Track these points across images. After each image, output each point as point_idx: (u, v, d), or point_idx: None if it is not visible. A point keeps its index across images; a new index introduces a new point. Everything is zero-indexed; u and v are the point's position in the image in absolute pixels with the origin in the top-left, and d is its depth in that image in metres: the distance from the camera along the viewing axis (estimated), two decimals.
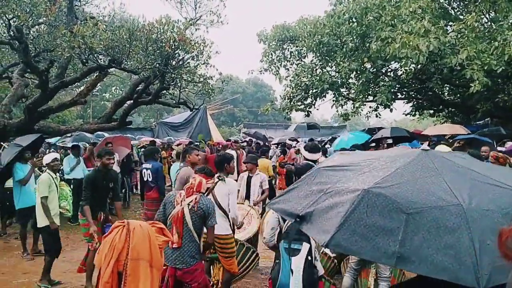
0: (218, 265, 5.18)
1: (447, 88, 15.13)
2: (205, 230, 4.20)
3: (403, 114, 20.96)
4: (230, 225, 5.07)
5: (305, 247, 3.57)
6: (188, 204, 3.98)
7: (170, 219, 4.02)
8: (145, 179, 7.75)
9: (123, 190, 12.09)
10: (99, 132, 14.64)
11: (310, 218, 2.27)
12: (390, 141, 10.53)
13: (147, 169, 7.61)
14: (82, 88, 15.44)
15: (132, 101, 13.49)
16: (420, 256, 1.93)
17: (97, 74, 12.27)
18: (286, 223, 3.77)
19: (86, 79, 13.57)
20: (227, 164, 5.23)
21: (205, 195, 4.33)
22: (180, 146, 14.65)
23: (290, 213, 2.44)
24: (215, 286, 5.13)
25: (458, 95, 15.88)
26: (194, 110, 18.14)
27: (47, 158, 6.51)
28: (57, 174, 6.67)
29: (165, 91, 14.30)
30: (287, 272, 3.53)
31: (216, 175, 5.00)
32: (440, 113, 19.94)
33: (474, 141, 9.15)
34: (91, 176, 5.94)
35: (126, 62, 10.38)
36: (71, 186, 10.20)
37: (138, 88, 13.89)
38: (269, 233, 4.10)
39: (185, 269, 3.98)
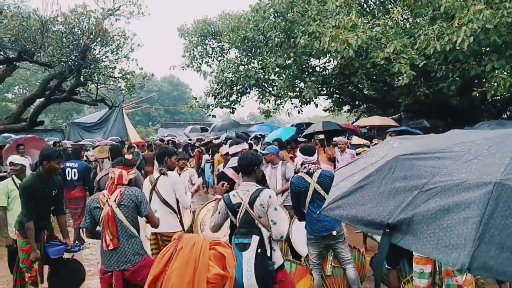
0: None
1: (367, 84, 15.60)
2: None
3: (323, 109, 21.43)
4: (180, 221, 4.78)
5: (254, 240, 3.48)
6: (115, 201, 3.77)
7: (101, 221, 3.76)
8: (68, 178, 7.43)
9: None
10: (5, 134, 13.18)
11: (409, 227, 1.66)
12: (321, 136, 10.52)
13: (71, 168, 7.28)
14: None
15: (43, 99, 12.29)
16: None
17: (3, 68, 10.93)
18: (237, 218, 3.61)
19: None
20: (168, 157, 4.88)
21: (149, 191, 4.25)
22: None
23: (369, 221, 1.81)
24: None
25: (378, 90, 16.49)
26: (112, 108, 17.09)
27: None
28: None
29: (81, 87, 13.24)
30: (240, 268, 3.38)
31: (158, 168, 4.74)
32: (358, 108, 20.66)
33: (406, 133, 9.41)
34: (28, 184, 4.61)
35: (38, 55, 9.31)
36: None
37: (50, 84, 12.71)
38: (212, 228, 3.84)
39: (131, 269, 3.72)
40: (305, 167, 4.69)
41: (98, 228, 3.93)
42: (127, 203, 3.79)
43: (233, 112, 17.66)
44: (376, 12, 14.63)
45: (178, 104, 54.85)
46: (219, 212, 3.76)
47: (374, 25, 10.86)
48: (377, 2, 15.76)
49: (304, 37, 11.74)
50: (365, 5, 15.18)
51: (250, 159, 3.85)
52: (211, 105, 16.93)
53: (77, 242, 6.38)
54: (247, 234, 3.51)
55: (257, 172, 3.88)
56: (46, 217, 4.88)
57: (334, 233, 4.50)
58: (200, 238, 2.49)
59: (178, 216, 4.79)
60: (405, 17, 11.80)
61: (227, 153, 6.25)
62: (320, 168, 4.75)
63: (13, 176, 5.36)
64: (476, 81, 13.02)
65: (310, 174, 4.63)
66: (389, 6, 15.11)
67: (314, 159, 4.71)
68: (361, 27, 10.45)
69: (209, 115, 18.64)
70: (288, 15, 12.83)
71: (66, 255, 4.77)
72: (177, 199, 4.77)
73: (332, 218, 4.49)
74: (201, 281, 2.17)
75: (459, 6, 9.58)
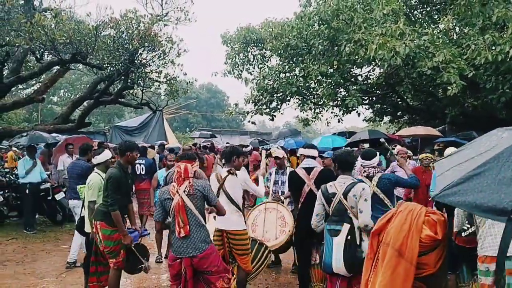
0: (232, 265, 4.97)
1: (411, 94, 15.32)
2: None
3: (363, 120, 21.15)
4: (244, 220, 4.94)
5: (345, 227, 3.82)
6: (184, 191, 3.99)
7: (172, 211, 4.00)
8: (138, 172, 8.84)
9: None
10: (53, 134, 13.66)
11: None
12: (366, 145, 10.39)
13: (140, 164, 8.81)
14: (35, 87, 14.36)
15: (92, 101, 12.66)
16: None
17: (56, 70, 11.37)
18: (331, 206, 4.01)
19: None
20: (236, 157, 4.97)
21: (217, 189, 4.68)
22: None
23: (489, 208, 1.80)
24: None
25: (423, 101, 16.15)
26: (155, 112, 17.43)
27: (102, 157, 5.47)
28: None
29: (127, 90, 13.57)
30: (330, 252, 3.80)
31: (226, 169, 4.90)
32: (400, 119, 20.29)
33: (454, 143, 9.16)
34: (116, 174, 4.85)
35: (91, 57, 9.61)
36: (26, 191, 9.35)
37: (97, 88, 13.09)
38: (315, 219, 4.32)
39: (199, 255, 3.93)
40: (364, 171, 4.77)
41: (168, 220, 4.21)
42: (195, 193, 4.01)
43: (272, 119, 17.65)
44: (422, 22, 14.39)
45: (216, 111, 55.39)
46: (318, 203, 4.21)
47: (422, 34, 10.68)
48: (424, 12, 15.51)
49: (349, 44, 11.65)
50: (410, 15, 14.96)
51: (348, 156, 4.37)
52: (251, 111, 16.99)
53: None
54: (339, 222, 3.88)
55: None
56: (127, 205, 5.15)
57: None
58: (417, 206, 2.72)
59: (243, 215, 4.96)
60: (451, 27, 11.55)
61: (277, 156, 6.60)
62: (380, 172, 4.80)
63: (98, 170, 5.41)
64: None
65: (370, 178, 4.71)
66: (436, 16, 14.86)
67: (374, 163, 4.76)
68: (409, 35, 10.30)
69: (249, 121, 18.72)
70: (333, 23, 12.77)
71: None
72: (243, 197, 5.06)
73: None
74: (414, 238, 2.42)
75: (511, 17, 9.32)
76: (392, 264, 2.42)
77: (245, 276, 4.97)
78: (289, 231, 6.11)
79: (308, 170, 5.09)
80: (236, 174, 4.91)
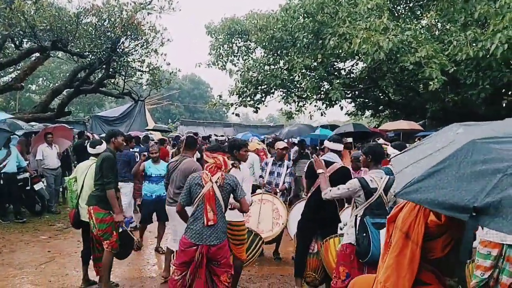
0: None
1: (393, 88, 15.47)
2: None
3: (345, 113, 21.30)
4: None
5: None
6: (216, 182, 4.09)
7: (201, 198, 4.07)
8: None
9: (62, 186, 11.08)
10: (31, 123, 13.37)
11: (498, 210, 1.67)
12: (350, 139, 10.44)
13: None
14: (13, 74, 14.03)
15: (72, 90, 12.44)
16: None
17: (35, 57, 11.11)
18: (371, 200, 4.03)
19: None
20: (236, 150, 4.94)
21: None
22: None
23: (451, 205, 1.80)
24: None
25: (404, 95, 16.32)
26: (136, 102, 17.27)
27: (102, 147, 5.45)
28: None
29: (108, 80, 13.38)
30: (378, 244, 3.84)
31: (231, 162, 4.75)
32: (381, 113, 20.49)
33: None
34: (110, 156, 5.03)
35: (72, 44, 9.42)
36: (1, 180, 9.11)
37: (78, 76, 12.88)
38: (333, 195, 4.25)
39: (218, 245, 4.04)
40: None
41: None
42: (225, 186, 4.14)
43: (256, 112, 17.66)
44: (405, 17, 14.50)
45: (199, 102, 55.05)
46: (349, 189, 4.14)
47: (405, 29, 10.76)
48: (407, 8, 15.63)
49: (334, 38, 11.69)
50: (394, 10, 15.05)
51: (382, 149, 4.40)
52: (236, 103, 16.95)
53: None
54: (382, 215, 3.87)
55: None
56: (117, 190, 5.20)
57: None
58: None
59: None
60: (434, 23, 11.67)
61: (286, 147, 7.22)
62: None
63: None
64: (503, 90, 12.84)
65: None
66: (418, 12, 14.99)
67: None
68: (393, 30, 10.37)
69: (233, 113, 18.69)
70: (318, 16, 12.78)
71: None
72: None
73: None
74: (421, 223, 2.43)
75: (494, 13, 9.43)
76: (399, 245, 2.48)
77: (241, 264, 5.06)
78: (282, 223, 6.31)
79: (328, 163, 5.03)
80: (239, 168, 4.89)
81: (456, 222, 2.22)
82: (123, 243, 5.19)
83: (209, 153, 4.36)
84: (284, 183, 7.19)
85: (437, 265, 2.48)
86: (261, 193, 6.78)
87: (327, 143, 5.55)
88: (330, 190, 4.28)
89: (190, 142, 5.73)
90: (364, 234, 4.00)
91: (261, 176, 7.31)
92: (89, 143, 5.83)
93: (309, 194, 5.31)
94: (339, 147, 5.37)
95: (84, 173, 5.41)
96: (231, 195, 4.23)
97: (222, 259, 4.09)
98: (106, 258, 5.07)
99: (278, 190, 7.02)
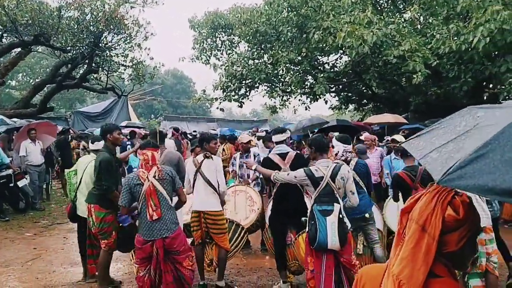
0: (210, 245, 5.26)
1: (376, 82, 15.58)
2: None
3: (329, 108, 21.38)
4: (220, 201, 5.15)
5: (336, 207, 4.10)
6: (154, 176, 4.21)
7: (143, 196, 4.17)
8: None
9: (45, 183, 10.94)
10: (13, 119, 13.12)
11: None
12: (335, 133, 10.47)
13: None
14: None
15: (54, 85, 12.23)
16: None
17: (17, 52, 10.88)
18: (319, 189, 4.17)
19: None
20: (206, 143, 5.22)
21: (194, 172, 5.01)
22: None
23: (503, 190, 1.73)
24: (211, 266, 5.23)
25: (387, 89, 16.46)
26: (119, 97, 17.08)
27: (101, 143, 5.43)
28: None
29: (90, 75, 13.20)
30: (324, 230, 4.03)
31: (203, 153, 5.14)
32: (365, 107, 20.62)
33: (419, 130, 9.37)
34: (106, 157, 4.91)
35: (55, 39, 9.26)
36: None
37: (60, 71, 12.67)
38: (279, 179, 4.48)
39: (171, 236, 4.18)
40: (342, 155, 5.03)
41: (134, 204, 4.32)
42: (165, 178, 4.26)
43: (241, 106, 17.59)
44: (388, 11, 14.61)
45: (182, 97, 54.68)
46: (296, 177, 4.31)
47: (389, 23, 10.84)
48: (389, 1, 15.74)
49: (318, 32, 11.70)
50: (377, 4, 15.14)
51: (324, 140, 4.57)
52: (220, 98, 16.88)
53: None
54: (330, 203, 4.11)
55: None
56: (118, 187, 5.06)
57: (367, 215, 5.01)
58: (445, 189, 2.76)
59: (219, 197, 5.14)
60: (417, 16, 11.80)
61: (249, 141, 7.16)
62: (355, 157, 5.17)
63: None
64: (484, 83, 13.04)
65: (348, 162, 5.00)
66: (401, 6, 15.11)
67: (350, 148, 5.06)
68: (376, 24, 10.44)
69: (217, 108, 18.61)
70: (302, 10, 12.79)
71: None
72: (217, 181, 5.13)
73: (366, 201, 5.05)
74: (438, 217, 2.39)
75: (476, 7, 9.55)
76: (415, 238, 2.46)
77: (226, 254, 5.19)
78: (258, 209, 6.44)
79: (283, 155, 5.16)
80: (212, 158, 5.12)
81: (473, 216, 2.23)
82: (130, 236, 5.01)
83: (140, 150, 4.56)
84: (254, 172, 7.25)
85: (451, 258, 2.48)
86: (234, 185, 6.99)
87: (274, 138, 5.70)
88: (278, 173, 4.53)
89: (161, 136, 6.09)
90: (313, 222, 4.17)
91: (233, 170, 7.66)
92: (90, 139, 5.86)
93: (274, 190, 5.35)
94: (282, 136, 5.49)
95: (83, 169, 5.38)
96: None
97: (180, 247, 4.23)
98: (103, 257, 5.04)
99: (250, 181, 7.26)
